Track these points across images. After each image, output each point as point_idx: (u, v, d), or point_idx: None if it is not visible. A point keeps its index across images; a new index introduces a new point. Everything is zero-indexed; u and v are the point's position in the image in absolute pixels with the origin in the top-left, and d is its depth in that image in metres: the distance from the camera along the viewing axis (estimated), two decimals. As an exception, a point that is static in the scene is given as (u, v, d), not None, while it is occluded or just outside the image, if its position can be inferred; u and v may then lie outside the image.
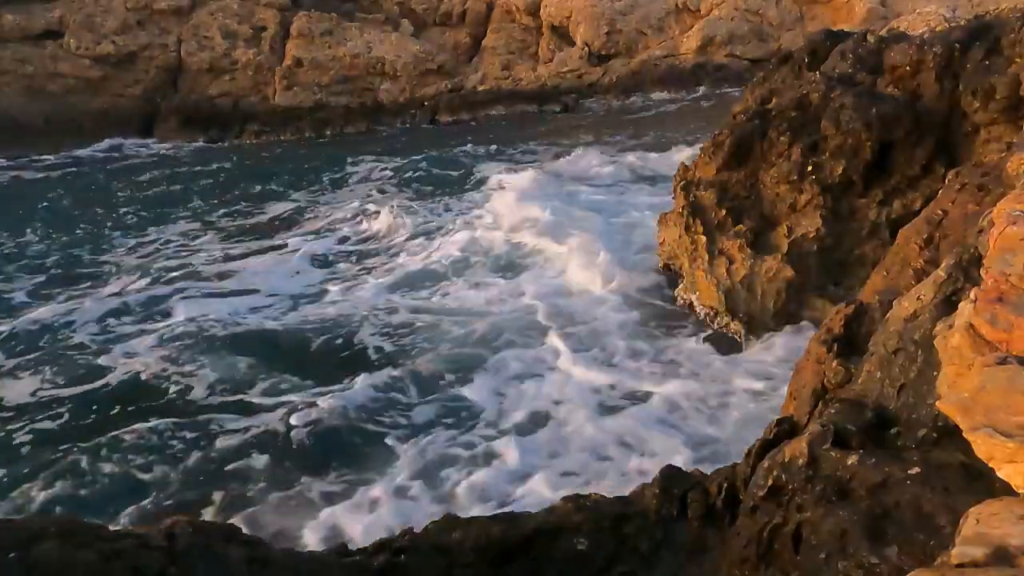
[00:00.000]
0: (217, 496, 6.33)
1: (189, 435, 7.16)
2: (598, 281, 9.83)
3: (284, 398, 7.74)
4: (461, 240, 11.91)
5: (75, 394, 8.02)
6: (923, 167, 7.82)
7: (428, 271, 11.09)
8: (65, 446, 7.04)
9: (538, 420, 7.12)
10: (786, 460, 3.39)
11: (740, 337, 8.10)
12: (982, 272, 2.63)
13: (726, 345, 8.11)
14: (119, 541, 3.39)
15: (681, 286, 9.05)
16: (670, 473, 4.15)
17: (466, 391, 7.69)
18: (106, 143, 21.82)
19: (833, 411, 3.48)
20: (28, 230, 14.36)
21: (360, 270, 11.49)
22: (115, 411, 7.64)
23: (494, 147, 19.40)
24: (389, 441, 6.96)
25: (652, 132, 19.87)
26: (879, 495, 2.94)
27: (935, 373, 2.82)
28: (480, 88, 24.73)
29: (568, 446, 6.67)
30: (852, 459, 3.14)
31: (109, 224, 14.72)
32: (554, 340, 8.51)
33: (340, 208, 14.62)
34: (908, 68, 7.97)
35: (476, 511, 5.35)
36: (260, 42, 23.68)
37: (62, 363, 8.69)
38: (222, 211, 15.29)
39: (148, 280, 11.28)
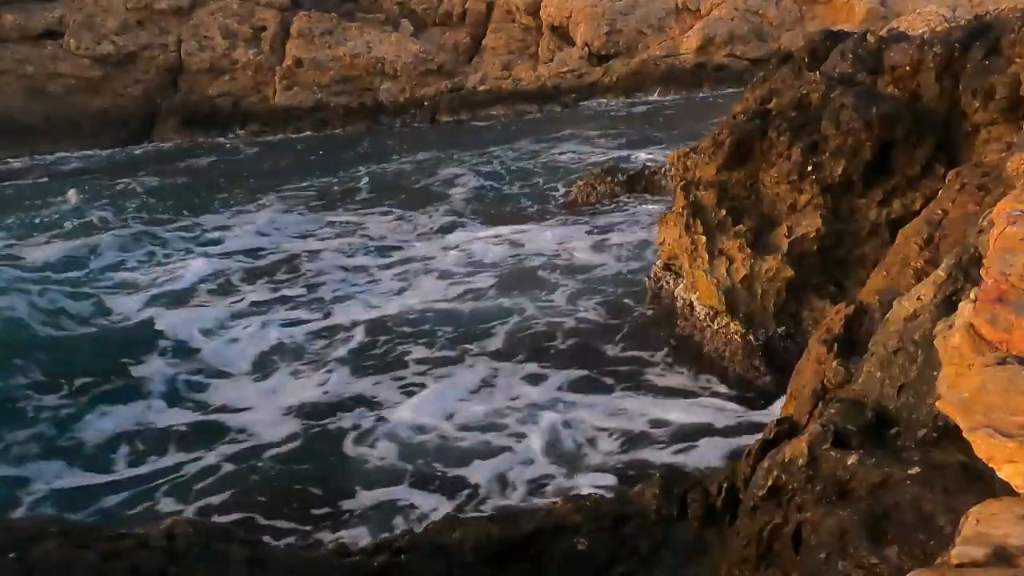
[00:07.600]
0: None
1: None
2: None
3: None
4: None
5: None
6: (923, 167, 7.80)
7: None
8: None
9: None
10: (786, 460, 3.39)
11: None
12: (982, 272, 2.63)
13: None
14: (119, 541, 3.39)
15: (681, 286, 9.05)
16: (670, 473, 4.16)
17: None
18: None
19: (833, 411, 3.48)
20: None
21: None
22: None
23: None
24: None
25: (651, 131, 19.87)
26: (879, 495, 2.94)
27: (935, 373, 2.82)
28: (480, 88, 24.72)
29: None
30: (852, 459, 3.15)
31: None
32: None
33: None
34: (908, 68, 7.95)
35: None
36: (260, 42, 23.67)
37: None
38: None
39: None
